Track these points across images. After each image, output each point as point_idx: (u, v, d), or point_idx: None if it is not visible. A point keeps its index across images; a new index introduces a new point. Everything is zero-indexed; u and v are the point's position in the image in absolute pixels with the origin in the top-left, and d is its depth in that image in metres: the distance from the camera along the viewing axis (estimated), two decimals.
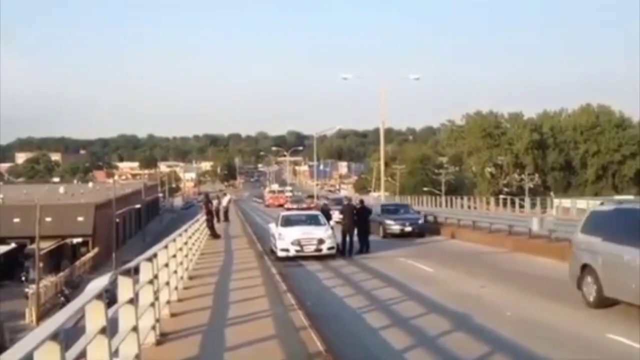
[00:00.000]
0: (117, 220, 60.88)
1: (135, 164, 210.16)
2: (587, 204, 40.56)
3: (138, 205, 72.46)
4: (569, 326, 10.08)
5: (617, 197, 44.99)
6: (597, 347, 8.88)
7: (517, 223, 24.32)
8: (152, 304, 7.78)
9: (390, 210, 30.79)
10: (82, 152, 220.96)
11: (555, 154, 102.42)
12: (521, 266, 17.91)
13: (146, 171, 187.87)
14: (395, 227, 28.17)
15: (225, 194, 43.30)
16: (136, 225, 75.92)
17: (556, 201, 45.35)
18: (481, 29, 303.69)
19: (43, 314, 36.02)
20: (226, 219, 35.96)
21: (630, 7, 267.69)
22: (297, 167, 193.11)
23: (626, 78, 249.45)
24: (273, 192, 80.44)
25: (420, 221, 29.26)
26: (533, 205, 42.74)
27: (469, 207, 48.54)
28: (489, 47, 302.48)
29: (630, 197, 53.39)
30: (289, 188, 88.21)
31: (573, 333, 9.63)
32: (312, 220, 22.30)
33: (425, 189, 79.33)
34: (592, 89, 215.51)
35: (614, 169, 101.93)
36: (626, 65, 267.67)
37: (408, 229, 28.10)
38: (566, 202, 43.40)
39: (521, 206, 44.47)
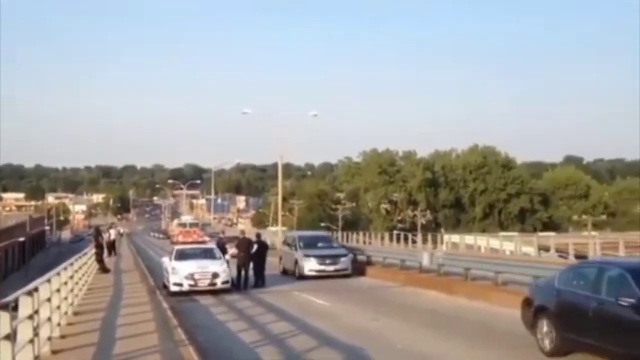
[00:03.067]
0: None
1: (21, 195, 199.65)
2: (474, 240, 42.43)
3: (22, 239, 68.64)
4: (456, 358, 10.38)
5: (503, 234, 47.28)
6: None
7: (409, 258, 24.95)
8: (31, 340, 7.40)
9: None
10: None
11: (446, 192, 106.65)
12: (412, 299, 18.35)
13: (32, 203, 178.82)
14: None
15: (114, 227, 41.67)
16: (20, 259, 71.78)
17: (446, 237, 47.03)
18: (377, 67, 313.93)
19: None
20: (111, 253, 34.57)
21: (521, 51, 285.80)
22: (194, 201, 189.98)
23: (509, 119, 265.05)
24: (183, 225, 62.12)
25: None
26: (425, 240, 44.10)
27: (364, 242, 49.41)
28: (386, 85, 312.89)
29: (515, 234, 56.21)
30: (190, 219, 71.80)
31: None
32: (207, 254, 21.94)
33: (322, 224, 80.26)
34: (479, 128, 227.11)
35: (500, 206, 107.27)
36: (509, 107, 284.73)
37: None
38: (455, 238, 45.11)
39: (414, 242, 45.73)
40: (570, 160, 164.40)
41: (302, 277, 23.37)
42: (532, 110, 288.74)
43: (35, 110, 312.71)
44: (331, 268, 23.52)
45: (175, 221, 71.76)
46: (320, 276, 23.13)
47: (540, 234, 58.19)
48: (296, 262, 24.14)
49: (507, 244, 37.31)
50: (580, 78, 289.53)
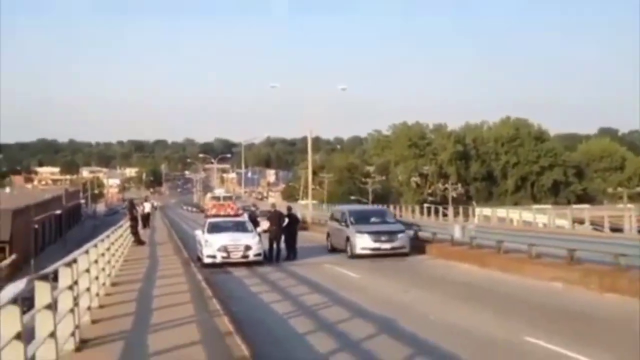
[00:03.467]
0: (37, 226, 58.66)
1: (56, 169, 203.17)
2: (507, 213, 42.14)
3: (59, 212, 70.04)
4: (488, 329, 10.37)
5: (536, 207, 46.84)
6: (516, 349, 9.17)
7: (440, 230, 24.87)
8: (72, 310, 7.57)
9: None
10: None
11: (477, 165, 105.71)
12: (444, 272, 18.32)
13: (67, 177, 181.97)
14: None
15: (148, 200, 42.10)
16: (57, 232, 73.36)
17: (478, 210, 46.77)
18: (407, 42, 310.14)
19: None
20: (145, 225, 35.03)
21: (550, 23, 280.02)
22: (224, 175, 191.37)
23: (544, 93, 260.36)
24: (217, 198, 60.10)
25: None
26: (456, 214, 43.91)
27: (395, 215, 49.39)
28: (416, 59, 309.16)
29: (548, 206, 55.66)
30: (224, 193, 68.13)
31: (492, 336, 9.92)
32: (239, 227, 22.16)
33: (352, 197, 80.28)
34: (511, 103, 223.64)
35: (533, 179, 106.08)
36: (544, 80, 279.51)
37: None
38: (487, 211, 44.87)
39: (444, 215, 45.58)
40: (605, 132, 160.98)
41: (355, 256, 21.24)
42: (565, 81, 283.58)
43: (68, 85, 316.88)
44: (387, 246, 21.19)
45: (209, 194, 68.14)
46: (376, 255, 21.05)
47: (575, 206, 57.46)
48: (347, 239, 22.05)
49: (541, 217, 36.98)
50: (616, 47, 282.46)
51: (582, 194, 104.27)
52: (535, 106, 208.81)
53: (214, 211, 53.12)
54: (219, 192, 66.88)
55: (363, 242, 21.30)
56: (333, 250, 23.83)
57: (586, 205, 55.47)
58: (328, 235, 25.10)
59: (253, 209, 41.61)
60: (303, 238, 25.81)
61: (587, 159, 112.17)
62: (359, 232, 21.59)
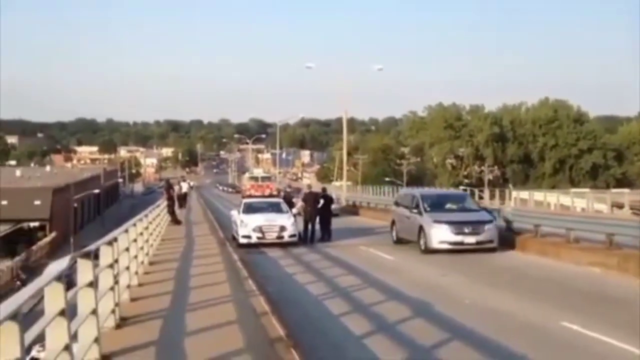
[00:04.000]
0: (76, 204, 59.85)
1: (95, 149, 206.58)
2: (544, 197, 41.54)
3: (97, 190, 71.33)
4: (524, 314, 10.30)
5: (574, 190, 46.01)
6: (552, 334, 9.09)
7: None
8: (112, 288, 7.72)
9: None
10: (40, 135, 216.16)
11: (514, 147, 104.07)
12: (479, 255, 18.15)
13: (106, 156, 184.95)
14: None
15: (184, 180, 42.26)
16: (95, 210, 74.76)
17: (514, 193, 46.18)
18: (444, 23, 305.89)
19: None
20: (182, 205, 35.25)
21: (588, 5, 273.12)
22: (259, 155, 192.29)
23: (584, 74, 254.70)
24: (255, 179, 56.78)
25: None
26: (492, 196, 43.45)
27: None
28: (452, 40, 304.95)
29: (587, 190, 54.64)
30: (263, 173, 63.91)
31: (528, 321, 9.85)
32: (274, 208, 22.32)
33: (387, 179, 79.95)
34: (550, 84, 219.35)
35: (571, 162, 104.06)
36: (584, 62, 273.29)
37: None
38: (524, 194, 44.25)
39: (481, 197, 45.13)
40: None
41: (431, 251, 17.66)
42: (606, 61, 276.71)
43: (106, 66, 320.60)
44: (472, 240, 17.61)
45: (247, 174, 64.07)
46: (457, 250, 17.57)
47: (614, 190, 56.31)
48: (420, 229, 18.21)
49: (579, 201, 36.35)
50: None
51: (622, 177, 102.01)
52: (574, 87, 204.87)
53: (252, 192, 49.38)
54: (258, 172, 63.30)
55: (441, 235, 17.63)
56: (399, 241, 20.29)
57: (626, 190, 54.24)
58: (393, 223, 21.14)
59: (287, 189, 41.71)
60: (354, 224, 25.17)
61: (627, 141, 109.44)
62: (437, 222, 17.79)
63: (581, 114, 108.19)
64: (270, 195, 40.09)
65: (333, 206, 25.09)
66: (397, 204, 21.99)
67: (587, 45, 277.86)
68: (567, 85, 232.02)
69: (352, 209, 38.52)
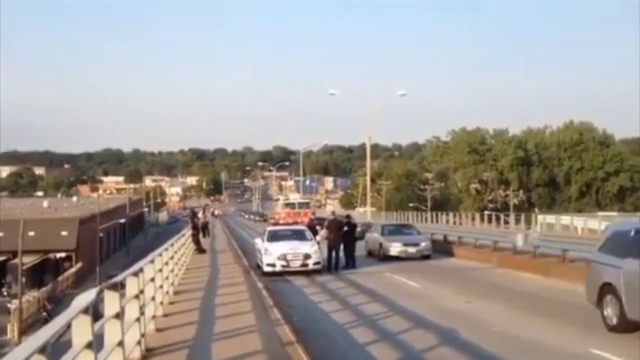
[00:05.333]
0: (101, 234, 60.41)
1: (120, 179, 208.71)
2: (570, 221, 41.01)
3: (122, 220, 71.99)
4: (553, 341, 10.13)
5: (601, 214, 45.36)
6: None
7: (502, 239, 24.43)
8: (138, 319, 7.75)
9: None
10: (67, 166, 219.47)
11: (539, 171, 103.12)
12: (506, 282, 17.97)
13: (131, 185, 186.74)
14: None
15: (207, 209, 41.61)
16: (120, 240, 75.39)
17: (540, 217, 45.62)
18: (466, 47, 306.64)
19: (25, 329, 35.54)
20: (205, 234, 35.06)
21: (613, 27, 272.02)
22: (283, 182, 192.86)
23: (609, 97, 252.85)
24: (292, 205, 50.57)
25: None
26: (517, 221, 42.98)
27: (454, 222, 48.72)
28: (475, 64, 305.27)
29: (614, 213, 53.85)
30: (299, 199, 57.63)
31: (557, 348, 9.68)
32: (298, 236, 22.29)
33: (411, 204, 79.59)
34: (574, 106, 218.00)
35: (598, 185, 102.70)
36: (609, 85, 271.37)
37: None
38: (550, 219, 43.74)
39: (506, 222, 44.70)
40: None
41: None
42: (630, 84, 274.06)
43: (131, 96, 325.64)
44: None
45: (281, 201, 58.22)
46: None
47: None
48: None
49: (607, 225, 35.77)
50: None
51: None
52: (599, 110, 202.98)
53: (288, 220, 44.31)
54: (294, 197, 57.30)
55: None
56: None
57: None
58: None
59: (312, 217, 41.64)
60: (359, 246, 25.39)
61: None
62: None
63: (607, 137, 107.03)
64: (295, 223, 39.17)
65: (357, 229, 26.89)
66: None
67: (612, 68, 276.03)
68: (592, 108, 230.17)
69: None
